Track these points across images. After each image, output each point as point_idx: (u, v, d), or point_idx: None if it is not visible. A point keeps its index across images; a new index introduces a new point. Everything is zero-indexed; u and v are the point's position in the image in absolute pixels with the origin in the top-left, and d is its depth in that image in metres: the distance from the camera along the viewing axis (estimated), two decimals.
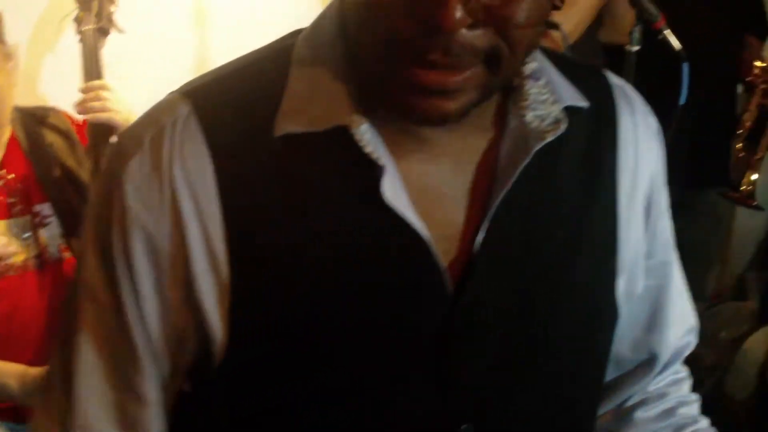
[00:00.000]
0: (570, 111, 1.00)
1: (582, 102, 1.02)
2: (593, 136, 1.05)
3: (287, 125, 0.93)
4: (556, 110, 0.99)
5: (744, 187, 3.01)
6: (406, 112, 0.91)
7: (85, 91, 2.25)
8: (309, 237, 0.94)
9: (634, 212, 1.10)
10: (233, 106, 0.96)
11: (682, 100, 2.21)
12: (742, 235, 3.72)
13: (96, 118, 2.21)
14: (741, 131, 3.01)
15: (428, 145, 0.97)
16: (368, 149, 0.92)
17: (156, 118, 0.97)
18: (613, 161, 1.07)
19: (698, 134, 3.02)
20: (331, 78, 0.94)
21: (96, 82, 2.25)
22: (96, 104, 2.21)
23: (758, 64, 3.00)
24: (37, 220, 2.11)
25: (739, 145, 3.00)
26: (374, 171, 0.92)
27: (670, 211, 1.20)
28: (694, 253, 3.29)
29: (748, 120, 3.01)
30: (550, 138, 0.97)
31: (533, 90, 1.00)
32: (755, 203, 3.05)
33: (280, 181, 0.94)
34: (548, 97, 1.00)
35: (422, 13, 0.82)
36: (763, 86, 2.98)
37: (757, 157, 3.00)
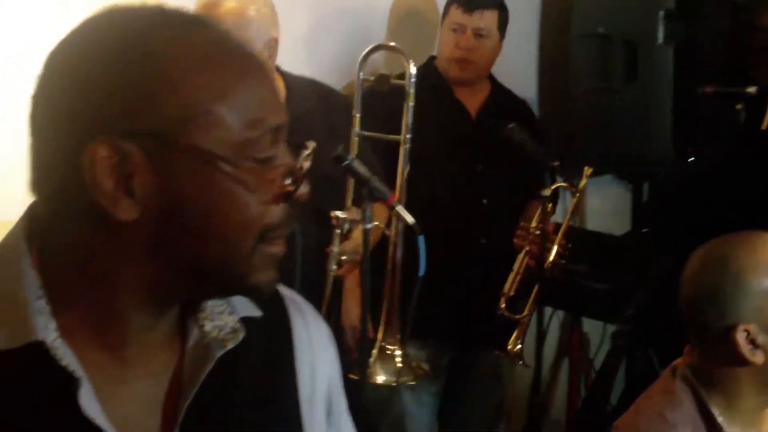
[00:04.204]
0: (245, 320, 1.08)
1: (255, 312, 1.09)
2: (270, 344, 1.12)
3: None
4: (232, 321, 1.07)
5: (511, 346, 3.12)
6: (253, 289, 1.02)
7: None
8: None
9: (315, 415, 1.16)
10: None
11: (421, 271, 2.30)
12: None
13: None
14: (505, 291, 3.12)
15: (122, 359, 1.01)
16: (64, 362, 0.94)
17: None
18: (292, 368, 1.13)
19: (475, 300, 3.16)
20: (22, 296, 0.97)
21: None
22: None
23: (523, 224, 3.15)
24: None
25: (503, 305, 3.10)
26: (71, 383, 0.94)
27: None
28: (479, 409, 3.40)
29: (512, 281, 3.13)
30: (230, 345, 1.04)
31: (210, 302, 1.07)
32: (522, 362, 3.15)
33: None
34: (225, 308, 1.07)
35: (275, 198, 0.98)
36: (528, 247, 3.12)
37: (521, 316, 3.11)
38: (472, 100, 3.26)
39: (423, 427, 3.33)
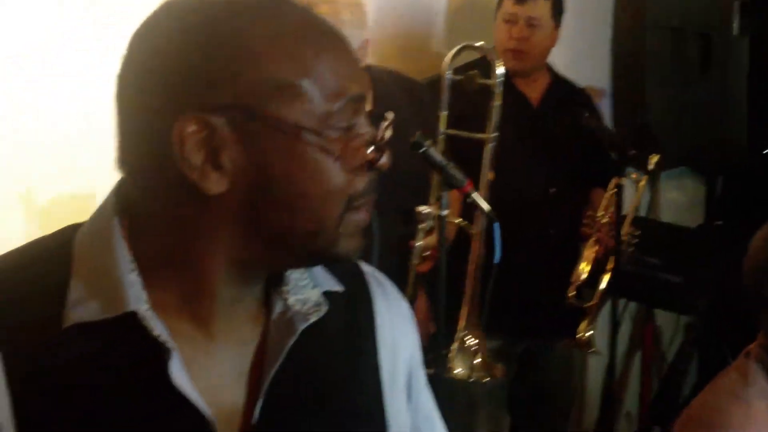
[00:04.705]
0: (327, 294, 1.10)
1: (337, 286, 1.11)
2: (351, 319, 1.13)
3: (75, 315, 0.97)
4: (315, 295, 1.09)
5: (580, 334, 3.13)
6: (340, 257, 1.03)
7: None
8: (99, 422, 0.97)
9: (396, 390, 1.17)
10: (18, 297, 0.98)
11: (496, 258, 2.32)
12: None
13: None
14: (574, 280, 3.13)
15: (210, 331, 1.03)
16: (156, 332, 0.97)
17: None
18: (373, 342, 1.15)
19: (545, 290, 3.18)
20: (116, 268, 0.99)
21: None
22: None
23: (590, 213, 3.16)
24: None
25: (572, 294, 3.12)
26: (162, 354, 0.97)
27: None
28: (551, 398, 3.41)
29: (580, 269, 3.14)
30: (314, 319, 1.06)
31: (294, 275, 1.09)
32: (592, 350, 3.16)
33: (70, 369, 0.97)
34: (308, 283, 1.09)
35: (359, 167, 1.00)
36: (595, 236, 3.13)
37: (590, 304, 3.12)
38: (533, 91, 3.25)
39: (492, 417, 3.35)
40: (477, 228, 2.67)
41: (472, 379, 2.73)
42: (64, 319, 0.97)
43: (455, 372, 2.63)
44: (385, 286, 1.21)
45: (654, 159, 3.09)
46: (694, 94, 3.66)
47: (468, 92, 2.63)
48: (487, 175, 2.68)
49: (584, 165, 3.21)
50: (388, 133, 1.04)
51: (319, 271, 1.11)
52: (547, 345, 3.34)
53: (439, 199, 2.27)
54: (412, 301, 2.65)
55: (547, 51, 3.23)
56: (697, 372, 3.91)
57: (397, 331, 1.18)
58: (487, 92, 2.68)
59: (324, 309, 1.07)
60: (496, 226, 2.26)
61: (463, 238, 2.70)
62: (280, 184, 0.97)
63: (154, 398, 0.98)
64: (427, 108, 2.71)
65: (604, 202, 3.11)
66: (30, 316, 0.98)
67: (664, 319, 4.02)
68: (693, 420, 1.90)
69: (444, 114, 2.66)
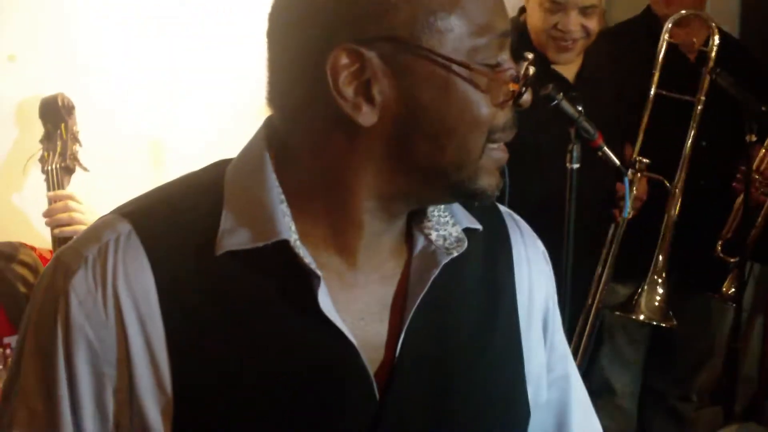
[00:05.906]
0: (466, 232, 1.12)
1: (476, 225, 1.14)
2: (489, 257, 1.16)
3: (227, 244, 1.02)
4: (456, 231, 1.11)
5: (725, 289, 3.12)
6: (481, 192, 1.04)
7: (53, 200, 2.28)
8: (248, 347, 1.01)
9: (533, 327, 1.20)
10: (172, 226, 1.04)
11: (625, 213, 2.32)
12: None
13: (63, 232, 2.24)
14: (723, 234, 3.14)
15: (354, 263, 1.07)
16: (307, 260, 1.01)
17: (97, 235, 1.03)
18: (510, 280, 1.18)
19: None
20: (266, 199, 1.03)
21: (63, 192, 2.28)
22: (63, 216, 2.25)
23: (743, 168, 3.09)
24: (8, 351, 2.13)
25: (719, 248, 3.11)
26: (310, 282, 1.01)
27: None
28: (687, 352, 3.40)
29: (731, 224, 3.14)
30: (455, 253, 1.09)
31: (435, 213, 1.12)
32: (735, 304, 3.11)
33: (221, 295, 1.02)
34: (448, 220, 1.12)
35: (504, 101, 1.02)
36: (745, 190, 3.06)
37: (735, 259, 3.10)
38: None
39: (632, 363, 3.39)
40: (674, 183, 2.92)
41: (652, 322, 2.96)
42: (216, 247, 1.01)
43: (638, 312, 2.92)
44: (521, 226, 1.24)
45: None
46: None
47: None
48: (692, 136, 2.94)
49: (738, 119, 3.13)
50: (532, 70, 1.05)
51: (459, 209, 1.14)
52: (687, 298, 3.30)
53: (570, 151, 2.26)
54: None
55: None
56: None
57: (533, 271, 1.21)
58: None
59: (465, 245, 1.10)
60: (626, 181, 2.26)
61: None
62: (428, 116, 0.99)
63: (304, 324, 1.02)
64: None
65: (758, 158, 3.06)
66: (184, 244, 1.03)
67: None
68: None
69: (657, 74, 2.94)
